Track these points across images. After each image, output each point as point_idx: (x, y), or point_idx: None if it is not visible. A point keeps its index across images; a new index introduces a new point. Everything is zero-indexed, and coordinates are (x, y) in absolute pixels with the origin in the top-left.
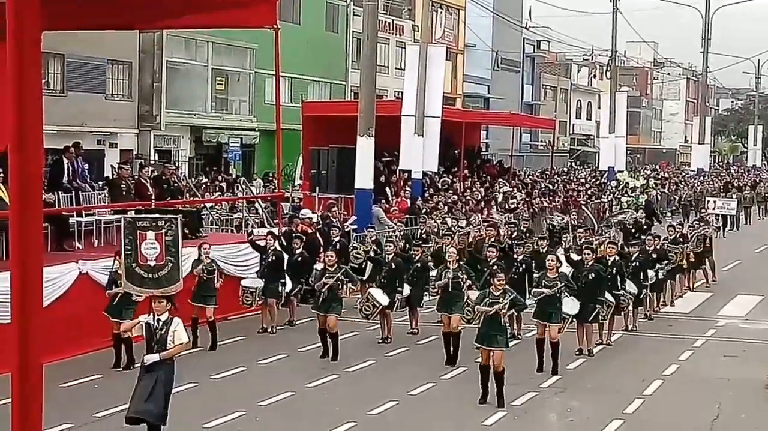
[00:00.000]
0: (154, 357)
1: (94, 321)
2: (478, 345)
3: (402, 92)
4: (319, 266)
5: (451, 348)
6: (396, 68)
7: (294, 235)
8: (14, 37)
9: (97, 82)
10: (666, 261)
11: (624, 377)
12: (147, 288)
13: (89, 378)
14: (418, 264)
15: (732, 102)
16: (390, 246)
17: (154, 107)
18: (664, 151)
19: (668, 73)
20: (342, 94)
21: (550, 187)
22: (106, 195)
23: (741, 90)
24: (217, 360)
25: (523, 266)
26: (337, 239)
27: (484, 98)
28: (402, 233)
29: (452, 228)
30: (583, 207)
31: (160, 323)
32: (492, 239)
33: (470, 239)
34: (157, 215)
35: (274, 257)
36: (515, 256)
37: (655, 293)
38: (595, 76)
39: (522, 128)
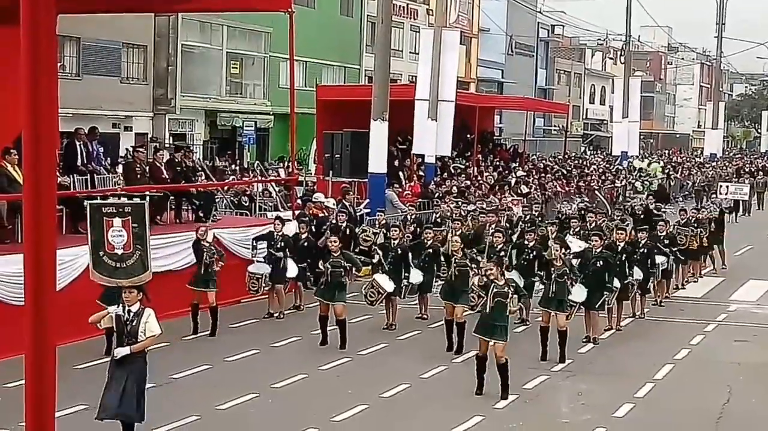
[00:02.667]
0: (124, 351)
1: None
2: (478, 336)
3: (416, 76)
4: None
5: (455, 337)
6: (410, 52)
7: (301, 219)
8: (29, 20)
9: (112, 66)
10: (676, 248)
11: (635, 361)
12: (115, 278)
13: (103, 361)
14: (430, 250)
15: (746, 87)
16: (396, 232)
17: (169, 91)
18: (678, 136)
19: (682, 58)
20: (356, 78)
21: (564, 172)
22: (121, 178)
23: (755, 75)
24: (230, 343)
25: (533, 252)
26: (344, 224)
27: (497, 83)
28: (415, 217)
29: (462, 212)
30: (597, 192)
31: (131, 314)
32: (495, 226)
33: (476, 225)
34: (123, 201)
35: (282, 244)
36: (525, 242)
37: (666, 280)
38: (609, 58)
39: (535, 113)
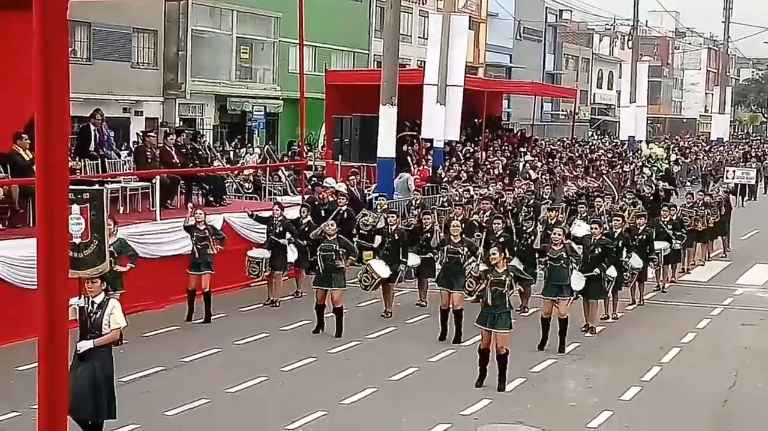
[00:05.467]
0: (87, 344)
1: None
2: (480, 327)
3: (425, 61)
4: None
5: (452, 325)
6: (419, 37)
7: (302, 204)
8: (41, 6)
9: (122, 51)
10: (681, 231)
11: (642, 344)
12: (73, 269)
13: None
14: (428, 234)
15: (753, 72)
16: (393, 217)
17: (179, 75)
18: (685, 120)
19: (689, 43)
20: (365, 63)
21: (571, 156)
22: (132, 162)
23: (762, 60)
24: (239, 327)
25: (533, 237)
26: (344, 208)
27: (506, 67)
28: (419, 202)
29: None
30: (604, 176)
31: (95, 306)
32: (488, 213)
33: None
34: (81, 187)
35: (281, 228)
36: (524, 228)
37: (670, 265)
38: (616, 43)
39: (543, 98)
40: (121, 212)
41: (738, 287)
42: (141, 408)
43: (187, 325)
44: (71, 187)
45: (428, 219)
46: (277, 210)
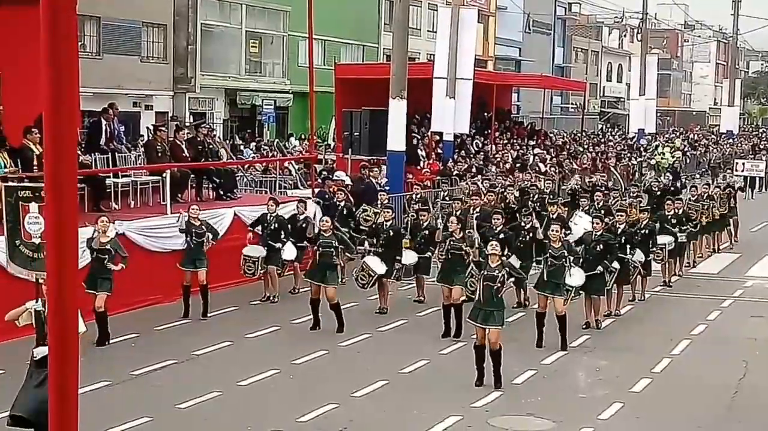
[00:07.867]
0: (44, 351)
1: (131, 281)
2: (472, 323)
3: (434, 55)
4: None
5: (453, 321)
6: (428, 31)
7: (299, 200)
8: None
9: (132, 45)
10: (687, 225)
11: (652, 336)
12: (33, 270)
13: (126, 337)
14: (426, 232)
15: (762, 64)
16: (389, 213)
17: (189, 70)
18: (694, 113)
19: (698, 36)
20: (374, 56)
21: (580, 149)
22: (142, 156)
23: None
24: (251, 320)
25: (531, 233)
26: (342, 203)
27: (515, 61)
28: (420, 196)
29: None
30: (612, 169)
31: None
32: (478, 209)
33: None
34: (40, 184)
35: (276, 225)
36: (522, 223)
37: (677, 258)
38: (626, 36)
39: (553, 91)
40: (131, 205)
41: (748, 279)
42: (153, 401)
43: (198, 319)
44: (28, 184)
45: (424, 216)
46: (272, 206)
